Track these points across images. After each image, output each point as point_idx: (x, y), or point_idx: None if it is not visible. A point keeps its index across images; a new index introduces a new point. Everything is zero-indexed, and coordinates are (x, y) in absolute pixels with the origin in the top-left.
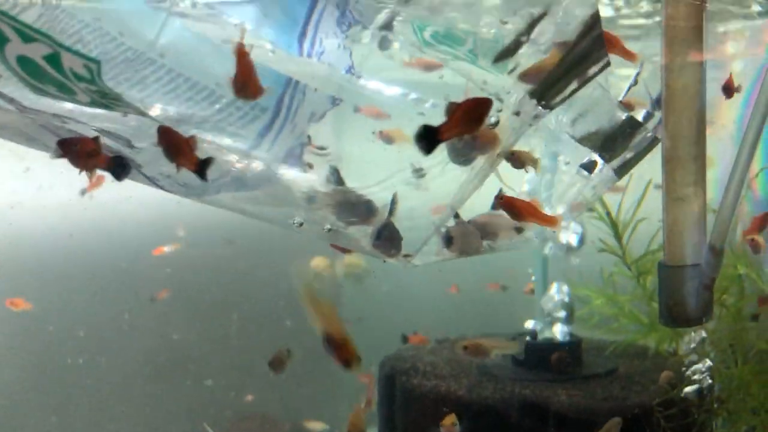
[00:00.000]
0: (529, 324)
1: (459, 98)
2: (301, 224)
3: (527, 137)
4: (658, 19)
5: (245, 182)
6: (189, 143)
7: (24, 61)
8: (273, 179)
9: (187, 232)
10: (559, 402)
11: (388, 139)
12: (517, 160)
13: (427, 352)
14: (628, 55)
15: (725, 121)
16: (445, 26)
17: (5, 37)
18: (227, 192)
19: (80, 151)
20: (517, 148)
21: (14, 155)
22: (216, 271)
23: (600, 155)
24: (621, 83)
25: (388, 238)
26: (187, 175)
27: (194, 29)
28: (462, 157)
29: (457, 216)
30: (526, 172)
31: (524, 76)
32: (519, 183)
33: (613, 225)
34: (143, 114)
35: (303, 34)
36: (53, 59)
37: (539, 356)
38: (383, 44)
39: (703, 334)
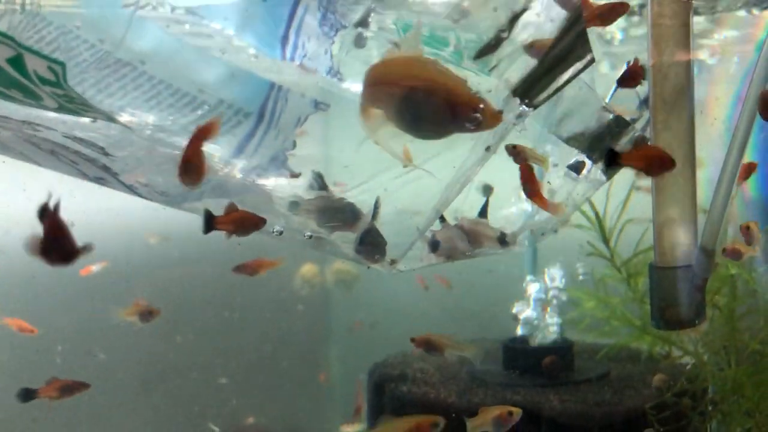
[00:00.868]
0: (516, 307)
1: None
2: (280, 233)
3: (514, 138)
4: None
5: (227, 189)
6: None
7: None
8: (255, 187)
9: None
10: (551, 407)
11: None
12: (520, 156)
13: (417, 358)
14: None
15: (714, 120)
16: (429, 27)
17: None
18: (208, 199)
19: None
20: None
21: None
22: (207, 284)
23: (588, 156)
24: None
25: (371, 243)
26: (166, 183)
27: (175, 35)
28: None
29: (443, 220)
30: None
31: (529, 48)
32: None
33: (600, 227)
34: (113, 120)
35: (285, 38)
36: (16, 61)
37: (530, 361)
38: (358, 41)
39: None
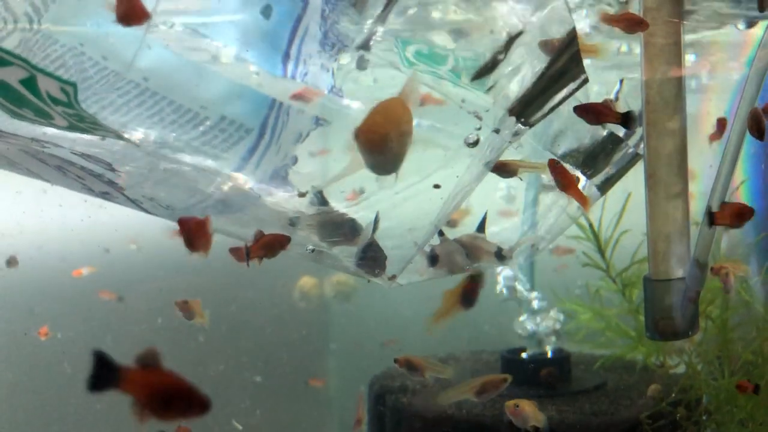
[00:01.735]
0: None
1: None
2: (312, 251)
3: (510, 154)
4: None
5: (230, 205)
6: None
7: (1, 86)
8: (257, 202)
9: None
10: (549, 418)
11: None
12: (506, 170)
13: None
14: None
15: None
16: (428, 45)
17: None
18: (211, 214)
19: None
20: None
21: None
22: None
23: (582, 172)
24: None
25: (372, 258)
26: (170, 197)
27: (177, 51)
28: None
29: (441, 234)
30: (521, 179)
31: (544, 46)
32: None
33: (596, 238)
34: (121, 138)
35: (287, 56)
36: (29, 83)
37: (528, 372)
38: (360, 64)
39: None
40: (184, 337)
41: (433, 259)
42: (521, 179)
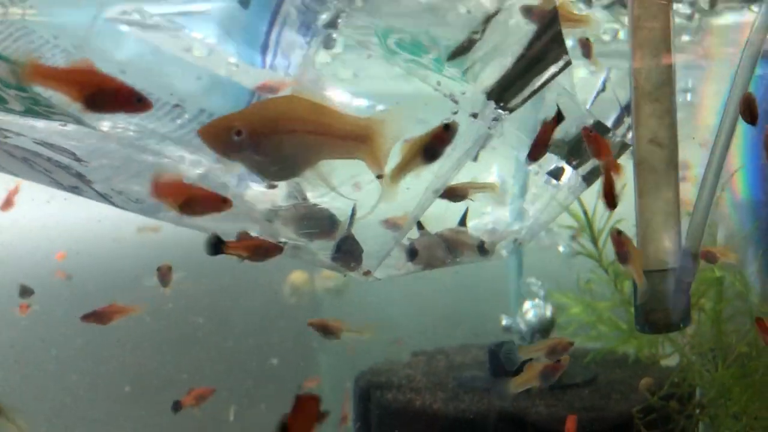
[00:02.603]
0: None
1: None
2: (285, 243)
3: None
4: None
5: None
6: None
7: None
8: (234, 196)
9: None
10: (538, 413)
11: None
12: (455, 194)
13: (403, 365)
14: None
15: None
16: (410, 34)
17: None
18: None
19: None
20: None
21: None
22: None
23: (567, 162)
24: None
25: (347, 251)
26: (142, 192)
27: (155, 44)
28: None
29: (421, 227)
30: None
31: (527, 12)
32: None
33: (590, 227)
34: (81, 122)
35: (266, 46)
36: None
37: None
38: (327, 43)
39: None
40: (170, 332)
41: (412, 253)
42: (473, 200)
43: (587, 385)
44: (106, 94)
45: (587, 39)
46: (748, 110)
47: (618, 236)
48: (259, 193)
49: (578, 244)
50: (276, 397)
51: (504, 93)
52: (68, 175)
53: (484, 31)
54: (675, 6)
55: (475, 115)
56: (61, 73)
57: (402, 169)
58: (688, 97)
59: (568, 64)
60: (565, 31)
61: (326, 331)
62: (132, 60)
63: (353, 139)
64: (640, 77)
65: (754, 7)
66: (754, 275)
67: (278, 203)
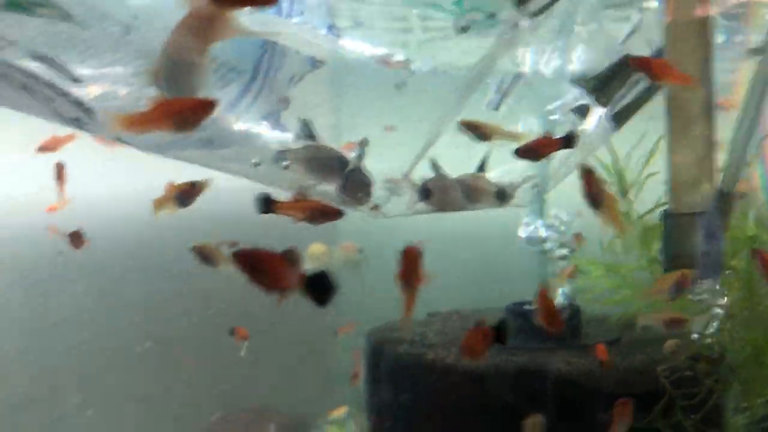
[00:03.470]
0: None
1: None
2: (257, 164)
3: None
4: None
5: (212, 141)
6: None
7: None
8: (244, 140)
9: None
10: (557, 369)
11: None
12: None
13: (417, 324)
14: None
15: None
16: None
17: None
18: (193, 150)
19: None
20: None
21: None
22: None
23: (595, 99)
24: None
25: (355, 182)
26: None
27: None
28: None
29: (436, 168)
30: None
31: None
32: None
33: (619, 178)
34: (67, 17)
35: None
36: None
37: (533, 324)
38: None
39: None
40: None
41: (425, 193)
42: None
43: (609, 345)
44: None
45: None
46: None
47: (588, 175)
48: (270, 137)
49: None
50: (293, 366)
51: None
52: (68, 103)
53: None
54: None
55: (493, 15)
56: None
57: None
58: None
59: None
60: None
61: (204, 256)
62: (146, 7)
63: None
64: (677, 9)
65: None
66: None
67: (289, 144)
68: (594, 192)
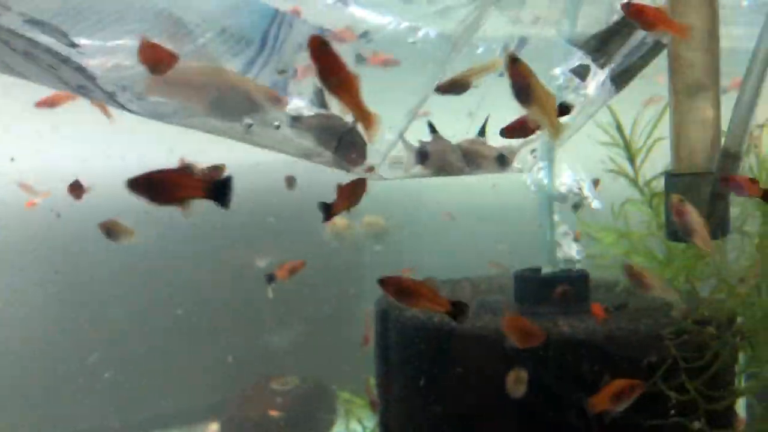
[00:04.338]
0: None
1: None
2: (250, 126)
3: None
4: None
5: (221, 107)
6: None
7: None
8: (254, 109)
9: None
10: (559, 333)
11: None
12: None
13: None
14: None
15: None
16: None
17: None
18: (200, 118)
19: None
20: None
21: None
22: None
23: (594, 59)
24: None
25: (349, 143)
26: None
27: None
28: None
29: (434, 130)
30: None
31: None
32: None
33: (625, 143)
34: None
35: None
36: None
37: (541, 290)
38: None
39: None
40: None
41: (423, 155)
42: (476, 87)
43: (616, 310)
44: None
45: None
46: None
47: (514, 65)
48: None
49: (613, 162)
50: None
51: None
52: (71, 70)
53: None
54: None
55: None
56: None
57: None
58: None
59: None
60: None
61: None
62: None
63: None
64: None
65: None
66: None
67: (301, 111)
68: (521, 84)
